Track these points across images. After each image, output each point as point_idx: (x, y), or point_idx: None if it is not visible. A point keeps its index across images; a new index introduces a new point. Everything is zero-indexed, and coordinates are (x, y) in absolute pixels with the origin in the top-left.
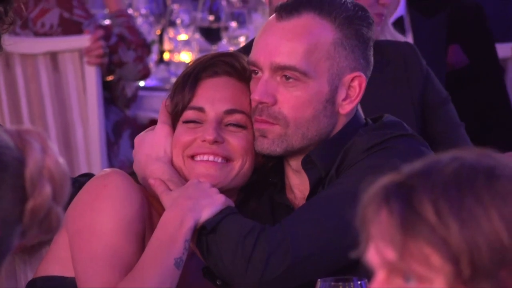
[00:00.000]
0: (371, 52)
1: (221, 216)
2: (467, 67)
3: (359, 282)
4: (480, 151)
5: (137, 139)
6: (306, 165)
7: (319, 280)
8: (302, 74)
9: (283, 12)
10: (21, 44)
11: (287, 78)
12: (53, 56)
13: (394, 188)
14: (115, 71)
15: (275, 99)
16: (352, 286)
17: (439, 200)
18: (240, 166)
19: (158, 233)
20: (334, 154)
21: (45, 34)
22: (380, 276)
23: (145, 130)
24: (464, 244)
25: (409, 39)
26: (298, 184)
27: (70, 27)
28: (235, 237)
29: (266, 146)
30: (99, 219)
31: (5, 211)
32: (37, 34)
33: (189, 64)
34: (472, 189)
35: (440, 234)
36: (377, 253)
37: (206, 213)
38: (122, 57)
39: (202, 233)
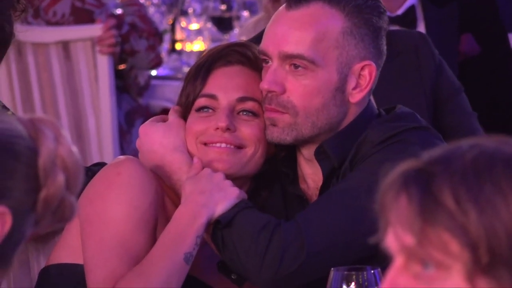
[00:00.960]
0: (383, 41)
1: (236, 210)
2: (479, 56)
3: (372, 271)
4: (500, 138)
5: (142, 130)
6: (319, 156)
7: (332, 269)
8: (310, 63)
9: (292, 1)
10: (33, 33)
11: (296, 66)
12: (65, 45)
13: (413, 174)
14: (127, 60)
15: (284, 88)
16: (365, 275)
17: (458, 187)
18: (252, 153)
19: (170, 227)
20: (347, 146)
21: (57, 23)
22: (398, 262)
23: (150, 120)
24: (483, 231)
25: (421, 28)
26: (310, 173)
27: (82, 16)
28: (250, 232)
29: (276, 134)
30: (110, 207)
31: (18, 200)
32: (49, 23)
33: (202, 55)
34: (491, 177)
35: (459, 221)
36: (395, 239)
37: (220, 208)
38: (134, 46)
39: (217, 227)
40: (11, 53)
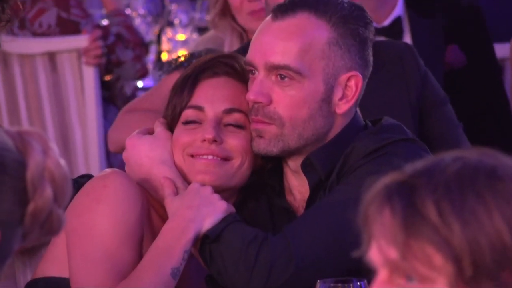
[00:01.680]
0: (370, 52)
1: (223, 225)
2: (465, 67)
3: (358, 283)
4: (482, 151)
5: (129, 142)
6: (306, 168)
7: (318, 281)
8: (297, 73)
9: (279, 11)
10: (19, 45)
11: (282, 77)
12: (51, 56)
13: (397, 187)
14: (113, 70)
15: (270, 98)
16: (351, 287)
17: (441, 200)
18: (239, 165)
19: (157, 242)
20: (334, 158)
21: (43, 34)
22: (382, 275)
23: (136, 133)
24: (466, 244)
25: (407, 39)
26: (297, 185)
27: (67, 27)
28: (238, 246)
29: (263, 146)
30: (96, 220)
31: (6, 214)
32: (35, 34)
33: (187, 66)
34: (474, 189)
35: (442, 234)
36: (379, 252)
37: (208, 222)
38: (120, 56)
39: (205, 242)
40: None
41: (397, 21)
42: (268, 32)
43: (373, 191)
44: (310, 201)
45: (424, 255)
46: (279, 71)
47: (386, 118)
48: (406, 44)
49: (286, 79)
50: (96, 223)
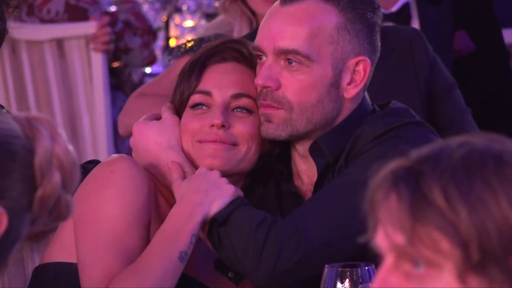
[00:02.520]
0: (377, 37)
1: (231, 208)
2: (473, 53)
3: (366, 268)
4: (489, 136)
5: (136, 128)
6: (314, 152)
7: (326, 266)
8: (305, 58)
9: None
10: (27, 31)
11: (290, 62)
12: (59, 43)
13: (403, 172)
14: (121, 57)
15: (279, 83)
16: (359, 271)
17: (448, 186)
18: (246, 151)
19: (165, 226)
20: (342, 142)
21: (51, 21)
22: (388, 260)
23: (143, 118)
24: (473, 230)
25: (416, 25)
26: (305, 169)
27: (76, 14)
28: (246, 229)
29: (271, 131)
30: (104, 206)
31: (14, 200)
32: (43, 20)
33: (196, 51)
34: (481, 175)
35: (449, 219)
36: (386, 237)
37: (216, 206)
38: (128, 43)
39: (213, 225)
40: (5, 51)
41: (405, 7)
42: (277, 17)
43: (379, 177)
44: (318, 185)
45: (431, 240)
46: (287, 56)
47: (394, 102)
48: (414, 29)
49: (294, 63)
50: (103, 208)
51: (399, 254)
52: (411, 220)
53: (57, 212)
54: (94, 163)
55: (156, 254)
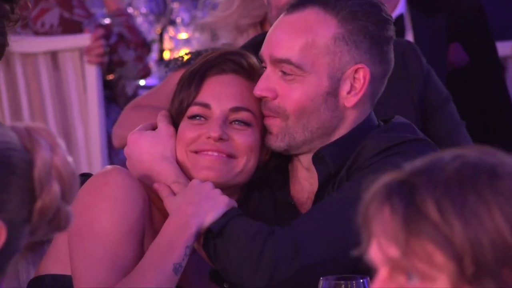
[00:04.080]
0: (384, 50)
1: (226, 219)
2: (467, 66)
3: (361, 280)
4: (483, 149)
5: (131, 138)
6: (317, 161)
7: (321, 278)
8: (298, 68)
9: (291, 6)
10: (21, 43)
11: (284, 71)
12: (54, 55)
13: (396, 185)
14: (115, 70)
15: (276, 93)
16: (354, 284)
17: (442, 199)
18: (244, 164)
19: (159, 238)
20: (346, 154)
21: (45, 34)
22: (382, 273)
23: (138, 128)
24: (467, 242)
25: (410, 38)
26: (307, 177)
27: (70, 27)
28: (242, 240)
29: (272, 142)
30: (98, 218)
31: (13, 213)
32: (37, 33)
33: (196, 61)
34: (475, 188)
35: (443, 232)
36: (380, 250)
37: (210, 217)
38: (122, 56)
39: (208, 237)
40: None
41: (399, 19)
42: (278, 26)
43: (372, 190)
44: (318, 196)
45: (425, 253)
46: (282, 65)
47: (397, 117)
48: (408, 42)
49: (288, 73)
50: (97, 221)
51: (393, 267)
52: (405, 233)
53: (57, 223)
54: (87, 176)
55: (151, 267)
